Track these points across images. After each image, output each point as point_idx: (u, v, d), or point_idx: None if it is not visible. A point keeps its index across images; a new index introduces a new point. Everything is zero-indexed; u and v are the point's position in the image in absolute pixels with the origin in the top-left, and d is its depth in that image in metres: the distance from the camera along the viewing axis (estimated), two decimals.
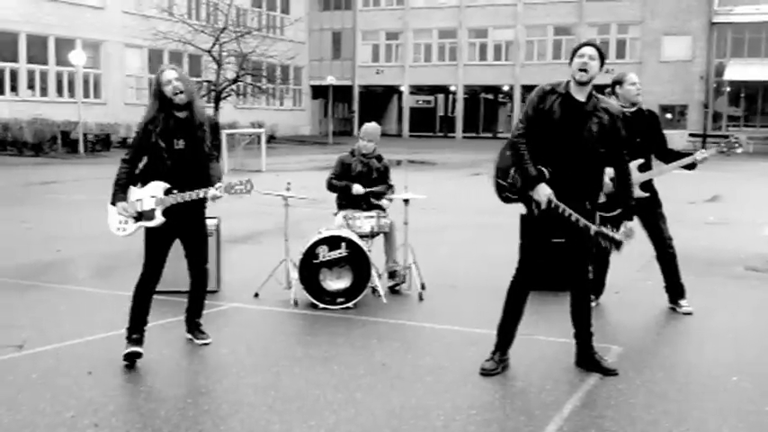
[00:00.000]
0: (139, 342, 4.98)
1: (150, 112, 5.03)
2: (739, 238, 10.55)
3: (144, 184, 5.09)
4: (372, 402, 4.35)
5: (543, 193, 4.67)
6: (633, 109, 6.26)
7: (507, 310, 4.96)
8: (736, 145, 6.43)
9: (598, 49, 4.71)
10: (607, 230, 4.64)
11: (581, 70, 4.64)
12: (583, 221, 4.68)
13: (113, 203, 5.06)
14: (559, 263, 5.17)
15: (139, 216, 5.04)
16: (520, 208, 5.04)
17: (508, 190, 4.97)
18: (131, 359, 4.89)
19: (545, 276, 6.82)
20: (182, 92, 4.94)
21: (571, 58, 4.74)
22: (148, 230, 5.09)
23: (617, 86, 6.33)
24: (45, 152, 27.95)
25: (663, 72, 41.22)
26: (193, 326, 5.45)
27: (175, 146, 5.00)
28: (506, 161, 4.96)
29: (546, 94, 4.76)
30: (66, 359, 5.06)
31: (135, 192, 5.06)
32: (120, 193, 5.04)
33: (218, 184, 5.02)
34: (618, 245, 4.64)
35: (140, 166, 5.12)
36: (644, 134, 6.22)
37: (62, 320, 6.06)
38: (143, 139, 5.02)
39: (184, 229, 5.20)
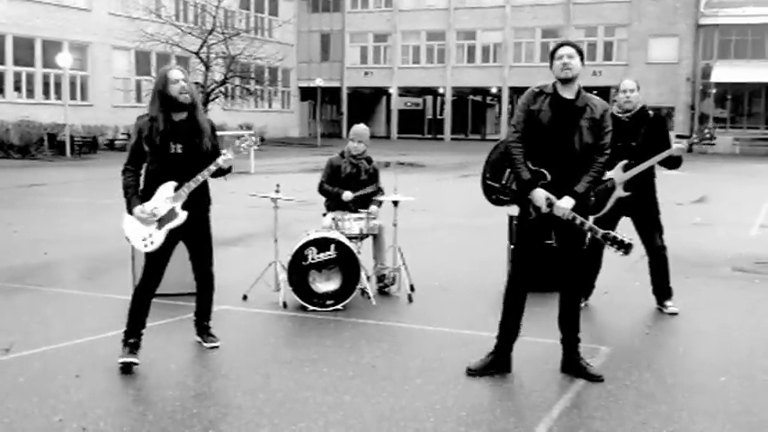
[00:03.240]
0: (136, 347, 4.91)
1: (152, 112, 4.83)
2: (726, 239, 10.62)
3: (146, 193, 4.90)
4: (362, 404, 4.35)
5: (540, 197, 4.65)
6: (628, 114, 6.27)
7: (507, 311, 4.89)
8: (708, 136, 6.42)
9: (575, 47, 4.72)
10: (616, 234, 4.63)
11: (564, 69, 4.65)
12: (588, 225, 4.67)
13: (130, 212, 4.87)
14: (548, 264, 5.15)
15: (161, 222, 4.87)
16: (509, 210, 5.03)
17: (500, 191, 4.95)
18: (127, 368, 4.82)
19: (534, 278, 6.85)
20: (186, 92, 4.81)
21: (551, 62, 4.75)
22: None
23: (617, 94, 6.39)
24: (32, 154, 27.80)
25: (650, 74, 41.35)
26: (202, 329, 5.38)
27: (171, 150, 4.85)
28: (498, 161, 4.95)
29: (536, 96, 4.75)
30: (54, 362, 5.02)
31: (146, 205, 4.87)
32: (134, 198, 4.86)
33: (222, 152, 4.91)
34: (627, 248, 4.62)
35: (142, 171, 4.95)
36: (644, 138, 6.20)
37: (49, 323, 6.02)
38: (142, 141, 4.84)
39: (188, 231, 5.01)
